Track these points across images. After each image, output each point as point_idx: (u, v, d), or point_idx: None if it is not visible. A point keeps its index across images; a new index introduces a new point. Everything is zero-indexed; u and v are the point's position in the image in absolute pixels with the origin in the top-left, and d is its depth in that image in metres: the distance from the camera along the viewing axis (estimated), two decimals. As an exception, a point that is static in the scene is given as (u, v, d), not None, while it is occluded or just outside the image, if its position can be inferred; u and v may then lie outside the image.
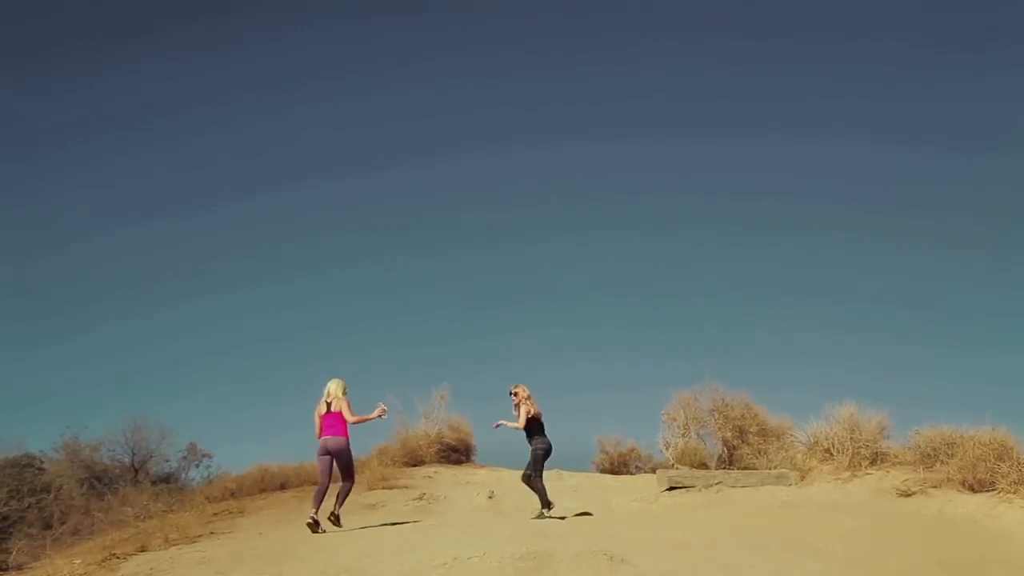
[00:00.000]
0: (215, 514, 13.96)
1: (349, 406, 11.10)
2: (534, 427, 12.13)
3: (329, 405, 11.15)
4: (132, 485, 17.50)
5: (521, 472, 12.41)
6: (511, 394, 12.21)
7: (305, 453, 17.98)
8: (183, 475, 19.94)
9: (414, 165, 48.43)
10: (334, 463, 11.13)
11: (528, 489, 12.40)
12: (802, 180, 45.72)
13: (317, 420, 11.20)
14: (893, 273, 41.79)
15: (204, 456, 20.26)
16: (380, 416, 11.51)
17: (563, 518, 12.14)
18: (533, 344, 42.24)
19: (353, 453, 11.46)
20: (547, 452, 12.13)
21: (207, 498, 15.66)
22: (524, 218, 48.08)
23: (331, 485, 11.32)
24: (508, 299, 46.26)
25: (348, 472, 11.19)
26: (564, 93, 48.98)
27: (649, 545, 9.88)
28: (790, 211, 44.05)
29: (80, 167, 45.71)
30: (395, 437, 18.71)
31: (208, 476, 19.58)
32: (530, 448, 12.13)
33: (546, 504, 11.99)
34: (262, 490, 16.16)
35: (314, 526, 10.92)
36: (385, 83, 47.85)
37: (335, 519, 11.17)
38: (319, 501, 11.01)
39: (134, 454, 18.89)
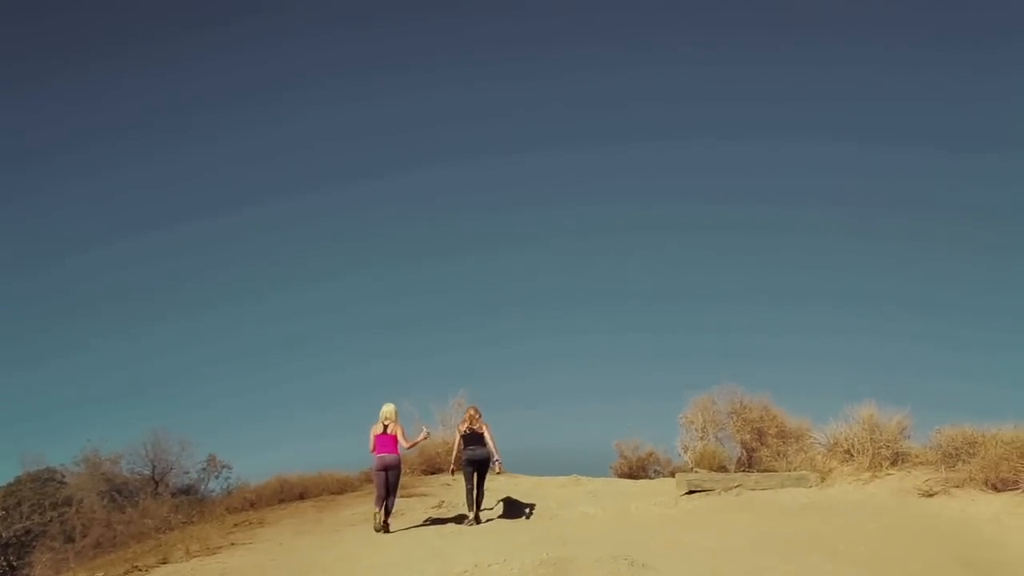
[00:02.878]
0: (235, 525, 14.01)
1: (404, 432, 12.84)
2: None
3: (386, 427, 12.71)
4: (152, 497, 17.53)
5: (540, 478, 12.61)
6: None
7: (323, 462, 18.06)
8: (203, 487, 19.95)
9: (424, 170, 48.66)
10: (388, 477, 12.52)
11: (544, 495, 12.74)
12: (814, 184, 45.54)
13: (373, 438, 12.69)
14: (912, 276, 41.57)
15: (223, 467, 20.26)
16: (425, 439, 13.84)
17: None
18: (551, 350, 42.28)
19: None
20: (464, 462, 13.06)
21: (227, 509, 15.70)
22: (539, 224, 48.15)
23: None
24: (526, 305, 46.25)
25: (397, 486, 12.79)
26: (570, 97, 49.06)
27: (670, 550, 9.85)
28: (802, 215, 43.85)
29: (96, 174, 45.93)
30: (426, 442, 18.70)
31: (227, 487, 19.57)
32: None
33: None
34: (281, 500, 16.19)
35: (382, 527, 12.37)
36: (386, 89, 48.05)
37: (386, 527, 12.46)
38: (381, 505, 12.47)
39: (154, 467, 18.93)
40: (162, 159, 47.42)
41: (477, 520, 12.77)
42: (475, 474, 12.94)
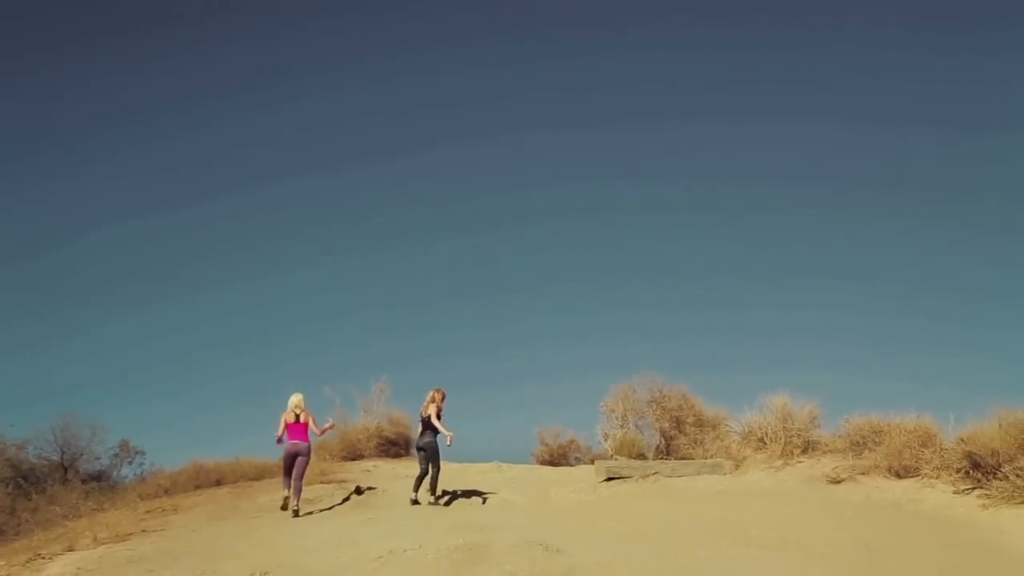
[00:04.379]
0: (148, 512, 13.65)
1: (315, 419, 13.28)
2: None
3: (298, 416, 13.07)
4: (61, 484, 16.99)
5: (462, 465, 12.69)
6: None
7: (240, 449, 17.79)
8: (115, 473, 19.39)
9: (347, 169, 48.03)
10: (297, 462, 12.88)
11: (466, 482, 12.89)
12: (744, 162, 45.96)
13: (283, 426, 12.99)
14: (824, 272, 42.62)
15: (137, 453, 19.74)
16: (331, 428, 14.71)
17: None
18: (473, 337, 42.34)
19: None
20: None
21: (140, 496, 15.28)
22: (455, 215, 47.89)
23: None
24: (447, 293, 46.07)
25: (304, 471, 13.07)
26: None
27: (586, 535, 9.98)
28: (716, 194, 44.40)
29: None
30: (334, 431, 18.53)
31: (141, 473, 19.04)
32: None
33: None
34: (197, 487, 15.83)
35: (291, 509, 12.68)
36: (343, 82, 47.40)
37: (295, 512, 12.63)
38: (289, 487, 12.84)
39: (63, 452, 18.34)
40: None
41: (415, 502, 12.91)
42: (425, 458, 13.19)
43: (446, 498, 13.43)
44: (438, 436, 13.19)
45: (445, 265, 45.71)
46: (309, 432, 13.14)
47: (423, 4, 49.30)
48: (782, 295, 41.44)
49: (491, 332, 43.53)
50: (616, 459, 15.76)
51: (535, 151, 48.03)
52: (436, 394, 13.37)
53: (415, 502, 12.92)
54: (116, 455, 19.46)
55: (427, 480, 13.13)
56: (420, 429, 13.39)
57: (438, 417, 13.16)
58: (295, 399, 13.16)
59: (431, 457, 13.14)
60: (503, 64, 49.54)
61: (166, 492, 15.49)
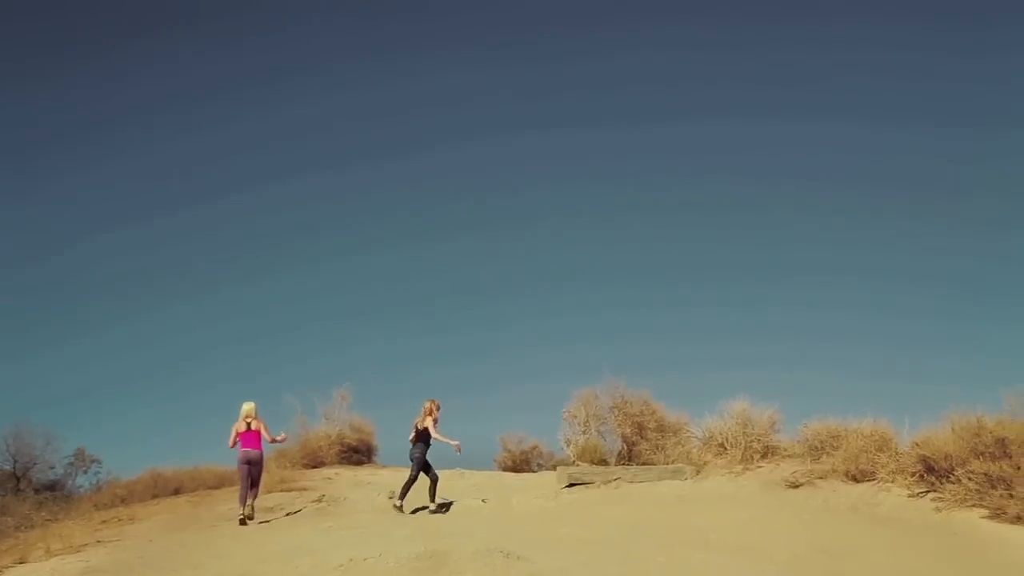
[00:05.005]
0: (103, 522, 13.45)
1: (266, 427, 13.23)
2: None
3: (249, 424, 13.06)
4: (13, 494, 16.67)
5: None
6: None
7: (199, 456, 17.58)
8: (70, 482, 19.11)
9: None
10: (251, 471, 12.93)
11: (428, 489, 13.32)
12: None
13: (235, 435, 13.06)
14: (788, 274, 43.12)
15: (93, 462, 19.48)
16: (283, 440, 14.59)
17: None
18: (435, 345, 42.30)
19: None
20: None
21: (95, 505, 15.06)
22: (415, 223, 47.83)
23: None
24: (412, 301, 45.99)
25: (259, 479, 13.20)
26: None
27: (547, 542, 9.98)
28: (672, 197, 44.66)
29: None
30: (295, 439, 18.39)
31: (97, 483, 18.78)
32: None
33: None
34: (155, 496, 15.63)
35: (245, 520, 12.63)
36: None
37: (248, 518, 12.67)
38: (246, 500, 12.79)
39: (15, 461, 18.02)
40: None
41: (400, 509, 13.07)
42: (416, 468, 13.25)
43: (437, 505, 13.42)
44: (429, 447, 13.29)
45: (405, 273, 45.69)
46: (262, 440, 13.17)
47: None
48: (744, 294, 41.86)
49: (454, 338, 43.57)
50: (578, 465, 15.81)
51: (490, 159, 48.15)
52: (432, 405, 13.41)
53: (400, 509, 13.04)
54: (71, 464, 19.20)
55: (412, 486, 13.24)
56: (413, 440, 13.34)
57: (435, 426, 13.27)
58: (246, 407, 13.20)
59: (423, 467, 13.24)
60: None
61: (122, 501, 15.29)
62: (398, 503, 13.11)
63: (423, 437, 13.23)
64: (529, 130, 48.24)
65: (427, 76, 48.08)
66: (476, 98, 48.14)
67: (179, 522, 13.30)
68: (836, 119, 43.41)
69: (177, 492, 15.80)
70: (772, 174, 44.52)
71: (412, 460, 13.26)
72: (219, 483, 16.26)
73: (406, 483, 13.22)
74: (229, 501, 14.55)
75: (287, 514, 13.56)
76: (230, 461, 16.58)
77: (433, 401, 13.42)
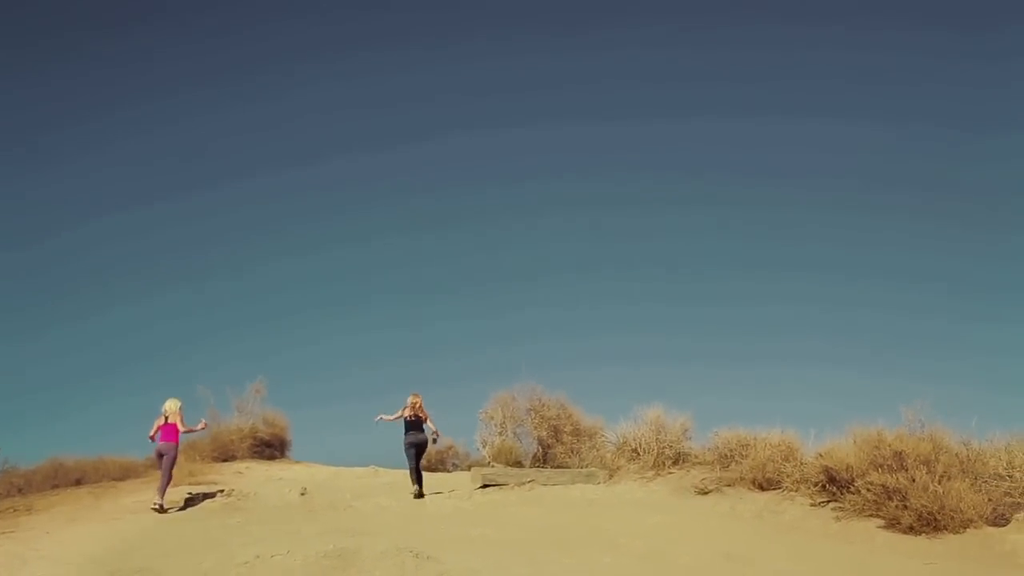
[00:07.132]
0: (-3, 512, 12.91)
1: (183, 420, 13.63)
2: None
3: (167, 418, 13.48)
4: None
5: (338, 469, 13.30)
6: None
7: (103, 446, 17.10)
8: (-38, 471, 18.21)
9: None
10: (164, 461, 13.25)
11: (340, 486, 14.10)
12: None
13: (155, 428, 13.44)
14: (704, 284, 43.87)
15: (-12, 449, 18.60)
16: (202, 428, 14.80)
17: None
18: (353, 343, 41.96)
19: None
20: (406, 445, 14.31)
21: (-11, 495, 14.43)
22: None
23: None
24: (335, 299, 45.46)
25: (171, 469, 13.34)
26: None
27: (457, 542, 9.99)
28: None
29: None
30: (205, 431, 17.96)
31: (-9, 471, 17.95)
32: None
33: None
34: (55, 486, 15.06)
35: (158, 508, 12.82)
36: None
37: (159, 508, 12.78)
38: (164, 491, 13.07)
39: (-98, 447, 17.08)
40: None
41: (420, 495, 13.96)
42: (415, 455, 14.17)
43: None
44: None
45: (329, 271, 45.15)
46: (178, 433, 13.49)
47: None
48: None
49: (372, 336, 43.24)
50: (493, 466, 15.85)
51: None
52: (417, 400, 14.41)
53: (419, 495, 13.92)
54: (-36, 451, 18.25)
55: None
56: (405, 429, 14.22)
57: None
58: (168, 404, 13.61)
59: (423, 451, 14.46)
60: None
61: (19, 491, 14.68)
62: (417, 491, 13.96)
63: (417, 425, 14.24)
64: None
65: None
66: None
67: (80, 514, 12.87)
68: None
69: (79, 483, 15.26)
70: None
71: (416, 446, 14.17)
72: (124, 474, 15.78)
73: (414, 471, 14.11)
74: (135, 493, 14.16)
75: (193, 508, 13.26)
76: (137, 451, 16.29)
77: (417, 394, 14.50)
